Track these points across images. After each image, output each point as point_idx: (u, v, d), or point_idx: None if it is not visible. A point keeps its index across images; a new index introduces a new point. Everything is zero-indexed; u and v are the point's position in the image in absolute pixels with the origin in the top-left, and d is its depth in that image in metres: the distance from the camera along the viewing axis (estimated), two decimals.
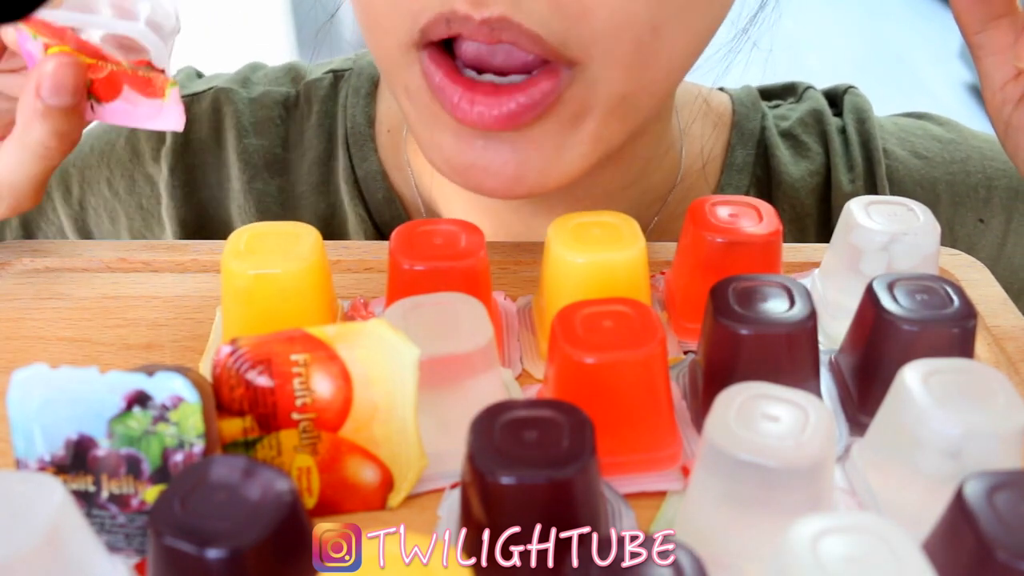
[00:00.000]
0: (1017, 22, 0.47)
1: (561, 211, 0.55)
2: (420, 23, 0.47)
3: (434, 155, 0.52)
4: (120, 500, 0.38)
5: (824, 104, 0.69)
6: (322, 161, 0.67)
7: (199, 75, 0.74)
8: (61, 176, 0.71)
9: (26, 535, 0.31)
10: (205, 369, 0.48)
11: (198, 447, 0.37)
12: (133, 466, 0.38)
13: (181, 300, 0.54)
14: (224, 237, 0.65)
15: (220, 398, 0.39)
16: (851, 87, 0.70)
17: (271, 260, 0.46)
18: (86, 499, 0.38)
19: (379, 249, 0.58)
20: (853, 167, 0.66)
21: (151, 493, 0.38)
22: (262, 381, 0.39)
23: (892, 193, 0.65)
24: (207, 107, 0.68)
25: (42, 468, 0.38)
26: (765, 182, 0.66)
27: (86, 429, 0.37)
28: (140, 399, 0.37)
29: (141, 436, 0.37)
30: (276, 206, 0.67)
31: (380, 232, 0.66)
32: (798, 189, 0.66)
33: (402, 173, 0.66)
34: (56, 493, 0.32)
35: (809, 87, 0.71)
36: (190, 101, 0.68)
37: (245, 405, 0.39)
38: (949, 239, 0.67)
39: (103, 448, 0.37)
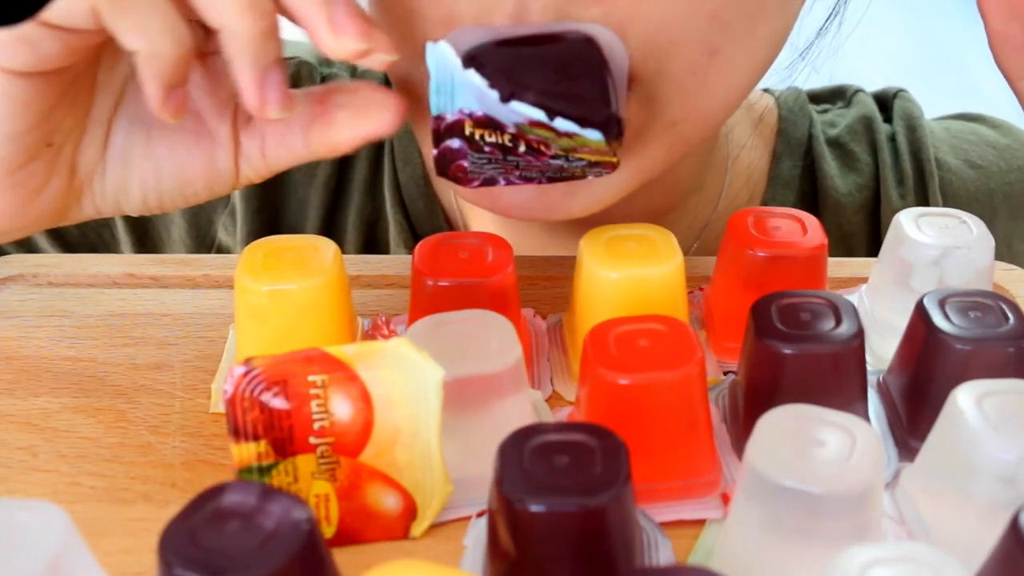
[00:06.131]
0: None
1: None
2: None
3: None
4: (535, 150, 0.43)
5: (874, 109, 0.68)
6: (372, 157, 0.67)
7: None
8: None
9: (28, 565, 0.31)
10: (217, 391, 0.48)
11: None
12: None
13: (192, 318, 0.53)
14: (290, 202, 0.67)
15: (233, 421, 0.38)
16: (901, 90, 0.69)
17: (287, 275, 0.46)
18: (503, 150, 0.43)
19: (401, 264, 0.57)
20: (903, 181, 0.65)
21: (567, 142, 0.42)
22: (278, 403, 0.38)
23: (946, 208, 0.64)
24: (288, 77, 0.69)
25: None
26: (812, 197, 0.65)
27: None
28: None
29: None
30: (328, 198, 0.66)
31: (416, 235, 0.65)
32: (845, 206, 0.64)
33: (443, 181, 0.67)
34: (58, 522, 0.32)
35: (859, 90, 0.70)
36: None
37: (260, 429, 0.38)
38: (1007, 255, 0.65)
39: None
